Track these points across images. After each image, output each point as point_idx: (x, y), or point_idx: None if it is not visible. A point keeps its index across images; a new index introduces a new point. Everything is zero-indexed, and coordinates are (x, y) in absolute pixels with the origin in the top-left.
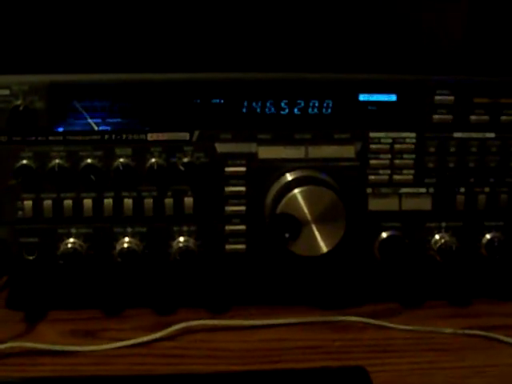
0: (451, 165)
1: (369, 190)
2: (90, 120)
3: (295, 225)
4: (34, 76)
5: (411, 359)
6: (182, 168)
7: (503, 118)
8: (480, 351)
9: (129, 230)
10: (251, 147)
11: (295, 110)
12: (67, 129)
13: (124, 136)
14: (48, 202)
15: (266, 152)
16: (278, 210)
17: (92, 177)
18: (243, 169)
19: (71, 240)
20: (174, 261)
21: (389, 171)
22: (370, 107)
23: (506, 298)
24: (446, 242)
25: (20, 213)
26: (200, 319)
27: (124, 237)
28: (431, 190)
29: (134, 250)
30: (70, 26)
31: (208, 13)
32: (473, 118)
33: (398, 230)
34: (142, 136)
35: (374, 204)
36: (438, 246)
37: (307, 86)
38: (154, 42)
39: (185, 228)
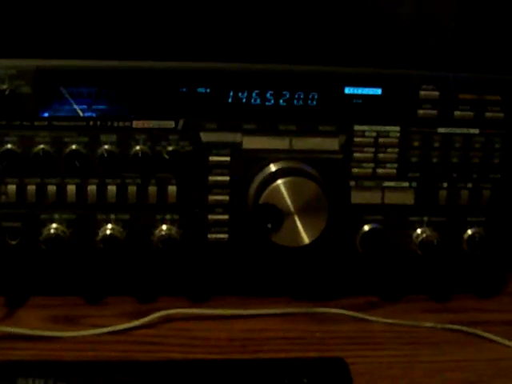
0: (435, 160)
1: (352, 183)
2: (75, 106)
3: (278, 215)
4: (21, 61)
5: (390, 352)
6: (166, 156)
7: (487, 114)
8: (459, 346)
9: (112, 216)
10: (236, 137)
11: (280, 101)
12: (53, 114)
13: (109, 123)
14: (32, 187)
15: (251, 142)
16: (261, 201)
17: (76, 163)
18: (227, 158)
19: (54, 226)
20: (157, 249)
21: (372, 165)
22: (355, 100)
23: (486, 293)
24: (427, 236)
25: (3, 197)
26: (180, 307)
27: (107, 224)
28: (414, 184)
29: (117, 237)
30: (57, 12)
31: (196, 2)
32: (457, 113)
33: (380, 223)
34: (128, 123)
35: (357, 197)
36: (419, 240)
37: (293, 77)
38: (142, 29)
39: (168, 216)
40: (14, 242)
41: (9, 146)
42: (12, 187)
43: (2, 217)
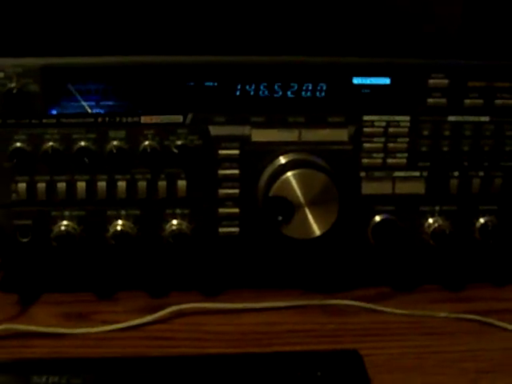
0: (445, 148)
1: (362, 174)
2: (83, 103)
3: (288, 208)
4: (28, 59)
5: (404, 343)
6: (175, 151)
7: (497, 101)
8: (473, 335)
9: (122, 212)
10: (245, 130)
11: (289, 93)
12: (61, 111)
13: (117, 119)
14: (42, 185)
15: (260, 135)
16: (272, 193)
17: (85, 159)
18: (237, 152)
19: (65, 222)
20: (167, 244)
21: (382, 155)
22: (363, 90)
23: (500, 282)
24: (439, 225)
25: (14, 195)
26: (192, 302)
27: (117, 219)
28: (425, 173)
29: (127, 233)
30: (63, 9)
31: None
32: (467, 101)
33: (392, 213)
34: (136, 119)
35: (368, 187)
36: (431, 229)
37: (301, 69)
38: (148, 24)
39: (178, 211)
40: (25, 240)
41: (18, 144)
42: (22, 185)
43: (13, 215)
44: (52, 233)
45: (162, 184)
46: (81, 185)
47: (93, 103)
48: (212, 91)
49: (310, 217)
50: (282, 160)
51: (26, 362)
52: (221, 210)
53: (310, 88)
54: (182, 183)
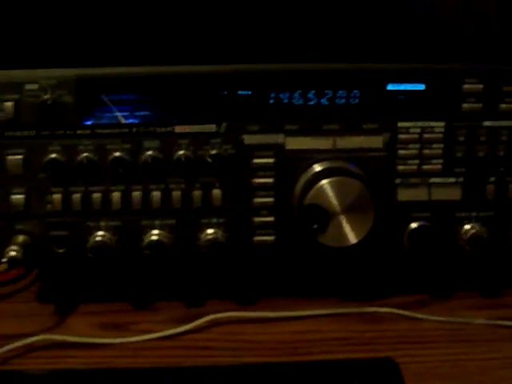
0: (481, 154)
1: (397, 181)
2: (117, 113)
3: (324, 216)
4: (62, 70)
5: (441, 350)
6: (209, 160)
7: None
8: (510, 342)
9: (157, 222)
10: (279, 138)
11: (323, 100)
12: (95, 122)
13: (152, 129)
14: (77, 196)
15: (294, 143)
16: (307, 201)
17: (120, 170)
18: (271, 160)
19: (100, 233)
20: (203, 253)
21: (417, 161)
22: (398, 97)
23: None
24: (476, 232)
25: (49, 206)
26: (228, 311)
27: (152, 229)
28: (461, 179)
29: (163, 243)
30: (98, 20)
31: (235, 4)
32: (502, 106)
33: (428, 220)
34: (170, 128)
35: (403, 194)
36: (468, 236)
37: (335, 76)
38: (182, 34)
39: (213, 220)
40: (61, 251)
41: (53, 155)
42: (57, 196)
43: (48, 226)
44: (88, 243)
45: (197, 193)
46: (116, 195)
47: (127, 113)
48: (246, 100)
49: (345, 225)
50: (317, 168)
51: (62, 373)
52: (256, 219)
53: (344, 95)
54: (216, 192)
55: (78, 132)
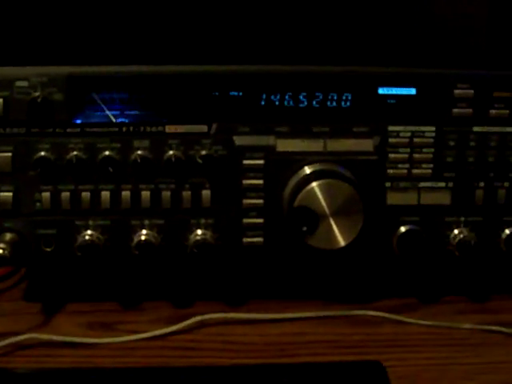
0: (470, 159)
1: (387, 184)
2: (108, 112)
3: (313, 218)
4: (53, 68)
5: (428, 354)
6: (199, 161)
7: None
8: (498, 347)
9: (146, 222)
10: (269, 140)
11: (314, 102)
12: (85, 121)
13: (142, 128)
14: (66, 194)
15: (285, 145)
16: (296, 203)
17: (110, 169)
18: (261, 162)
19: (89, 232)
20: (192, 253)
21: (407, 165)
22: (389, 101)
23: None
24: (464, 236)
25: (38, 204)
26: (217, 312)
27: (141, 229)
28: (450, 184)
29: (152, 243)
30: (89, 18)
31: (227, 5)
32: (492, 112)
33: (417, 224)
34: (160, 128)
35: (393, 198)
36: (456, 240)
37: (326, 78)
38: (173, 34)
39: (202, 221)
40: (49, 249)
41: (42, 153)
42: (46, 194)
43: (37, 224)
44: (76, 242)
45: (187, 194)
46: (105, 194)
47: (117, 112)
48: (237, 101)
49: (334, 227)
50: (307, 170)
51: (49, 372)
52: (245, 220)
53: (335, 98)
54: (206, 193)
55: (68, 130)
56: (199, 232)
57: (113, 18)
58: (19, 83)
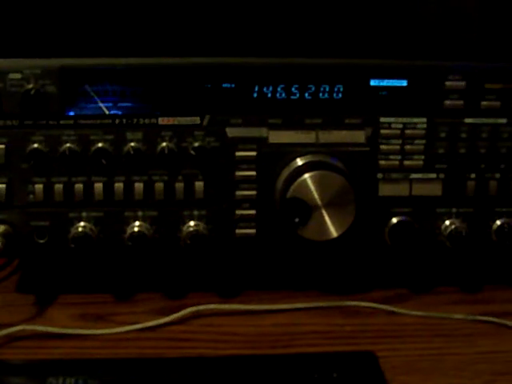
0: (462, 151)
1: (379, 176)
2: (101, 104)
3: (305, 209)
4: (46, 60)
5: (421, 345)
6: (192, 152)
7: None
8: (490, 337)
9: (139, 214)
10: (262, 132)
11: (306, 94)
12: (78, 113)
13: (135, 120)
14: (59, 186)
15: (277, 137)
16: (289, 195)
17: (103, 161)
18: (254, 153)
19: (82, 224)
20: (185, 245)
21: (399, 156)
22: (380, 92)
23: None
24: (456, 227)
25: (31, 196)
26: (210, 303)
27: (135, 221)
28: (442, 175)
29: (145, 234)
30: (81, 10)
31: None
32: (484, 103)
33: (408, 215)
34: (153, 120)
35: (385, 189)
36: (448, 231)
37: (318, 70)
38: (166, 26)
39: (195, 212)
40: (42, 241)
41: (35, 145)
42: (39, 186)
43: (30, 216)
44: (69, 234)
45: (179, 185)
46: (98, 186)
47: (110, 104)
48: (229, 93)
49: (326, 218)
50: (299, 162)
51: (42, 363)
52: (238, 212)
53: (327, 90)
54: (199, 185)
55: (61, 122)
56: (192, 223)
57: (106, 10)
58: (12, 75)
